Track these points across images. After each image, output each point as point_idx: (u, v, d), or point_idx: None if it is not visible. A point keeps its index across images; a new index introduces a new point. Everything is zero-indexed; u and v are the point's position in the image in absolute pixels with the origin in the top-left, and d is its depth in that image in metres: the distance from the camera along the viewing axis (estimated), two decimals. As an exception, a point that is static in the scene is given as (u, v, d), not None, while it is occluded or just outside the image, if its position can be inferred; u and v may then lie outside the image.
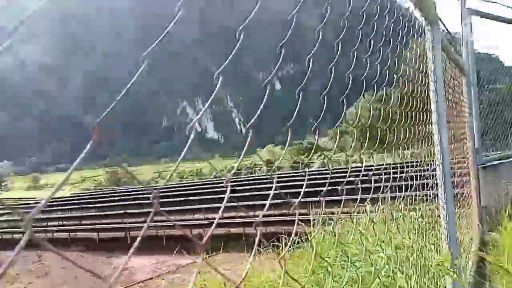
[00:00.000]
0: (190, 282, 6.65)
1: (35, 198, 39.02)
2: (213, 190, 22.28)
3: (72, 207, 23.23)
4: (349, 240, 4.21)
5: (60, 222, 18.76)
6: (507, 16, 5.41)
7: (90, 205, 22.31)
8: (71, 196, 33.73)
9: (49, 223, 18.63)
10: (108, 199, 24.99)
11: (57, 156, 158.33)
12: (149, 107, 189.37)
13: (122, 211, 17.36)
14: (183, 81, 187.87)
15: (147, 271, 9.90)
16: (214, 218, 13.36)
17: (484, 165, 4.00)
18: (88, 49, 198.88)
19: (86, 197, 30.13)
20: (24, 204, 30.41)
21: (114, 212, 18.14)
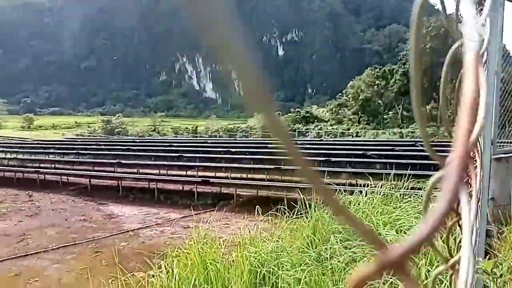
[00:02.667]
0: (180, 234, 6.84)
1: (27, 139, 39.06)
2: (208, 148, 22.42)
3: (66, 151, 23.29)
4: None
5: (53, 165, 18.91)
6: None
7: (84, 151, 22.38)
8: (65, 140, 33.81)
9: (42, 165, 18.79)
10: (102, 147, 25.06)
11: (52, 99, 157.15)
12: (148, 59, 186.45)
13: (115, 160, 17.49)
14: (184, 36, 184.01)
15: (137, 221, 10.12)
16: (207, 177, 13.56)
17: (497, 157, 3.93)
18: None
19: (80, 142, 30.15)
20: (17, 143, 30.49)
21: (107, 161, 18.27)
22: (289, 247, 3.86)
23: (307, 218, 4.63)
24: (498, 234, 3.27)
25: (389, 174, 6.68)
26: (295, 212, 4.86)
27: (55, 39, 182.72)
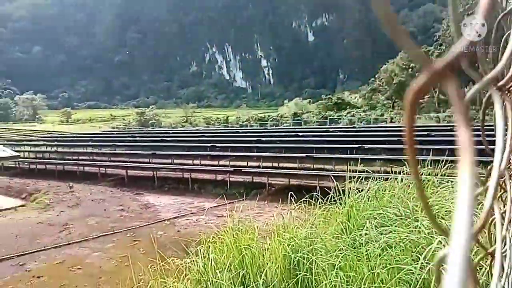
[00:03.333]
0: (215, 223, 6.97)
1: (66, 132, 40.62)
2: (239, 138, 22.58)
3: (103, 144, 24.07)
4: (385, 202, 4.21)
5: (91, 157, 19.62)
6: None
7: (120, 143, 23.05)
8: (101, 133, 34.92)
9: (80, 157, 19.52)
10: (137, 138, 25.74)
11: (88, 93, 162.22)
12: (179, 51, 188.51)
13: (150, 152, 17.93)
14: (213, 26, 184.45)
15: (172, 211, 10.39)
16: (239, 166, 13.69)
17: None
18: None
19: (116, 135, 31.04)
20: (57, 137, 31.75)
21: (142, 152, 18.78)
22: (323, 233, 3.88)
23: (340, 204, 4.62)
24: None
25: (425, 160, 6.52)
26: (328, 200, 4.85)
27: (88, 34, 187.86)
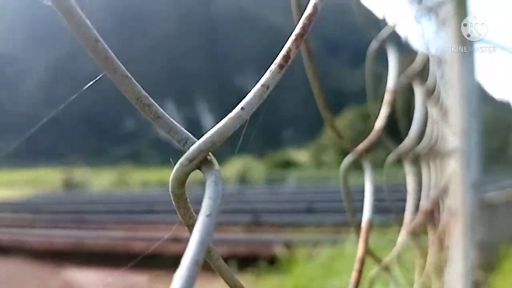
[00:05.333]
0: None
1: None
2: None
3: (23, 211, 22.67)
4: (337, 269, 4.16)
5: (8, 227, 18.34)
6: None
7: (43, 210, 21.83)
8: (22, 199, 32.95)
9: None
10: (63, 204, 24.54)
11: (9, 153, 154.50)
12: (112, 105, 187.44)
13: (77, 219, 17.14)
14: (152, 79, 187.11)
15: (100, 288, 9.75)
16: (180, 233, 13.26)
17: (482, 201, 3.97)
18: (48, 41, 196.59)
19: (39, 200, 29.45)
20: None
21: (68, 220, 17.90)
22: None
23: (289, 274, 4.53)
24: (487, 281, 3.26)
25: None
26: (276, 269, 4.76)
27: (16, 89, 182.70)
